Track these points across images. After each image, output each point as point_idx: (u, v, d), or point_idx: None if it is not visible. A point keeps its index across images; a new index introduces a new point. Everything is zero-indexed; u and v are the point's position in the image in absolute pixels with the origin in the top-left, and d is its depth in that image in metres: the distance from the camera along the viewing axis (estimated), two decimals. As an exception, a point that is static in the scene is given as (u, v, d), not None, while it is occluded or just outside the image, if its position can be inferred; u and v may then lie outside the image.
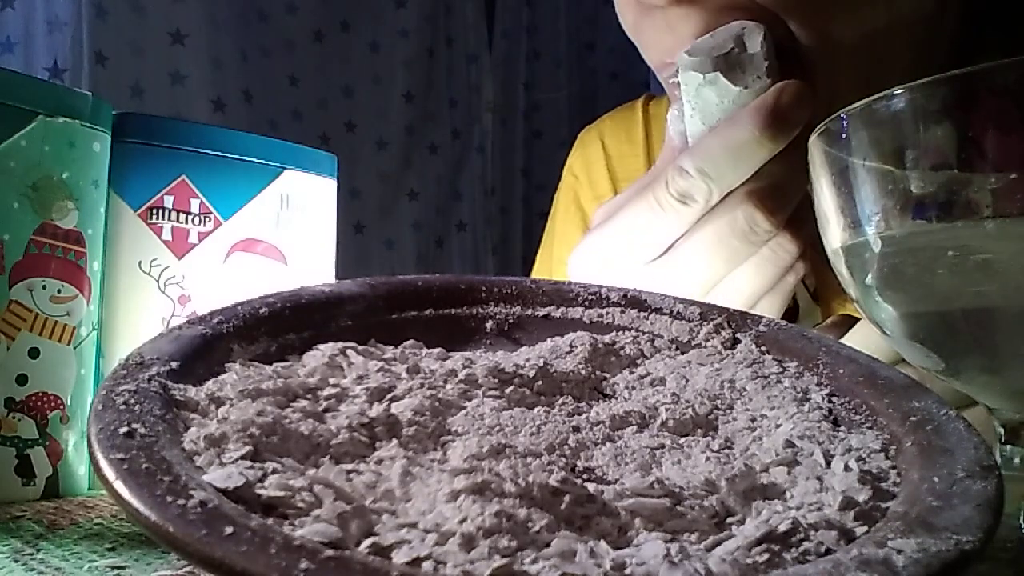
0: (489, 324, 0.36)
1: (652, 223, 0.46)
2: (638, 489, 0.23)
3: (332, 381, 0.28)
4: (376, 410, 0.26)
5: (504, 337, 0.36)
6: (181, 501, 0.19)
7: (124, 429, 0.22)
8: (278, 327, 0.32)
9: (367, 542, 0.19)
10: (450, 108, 2.29)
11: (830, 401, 0.30)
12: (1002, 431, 0.30)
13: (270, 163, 0.50)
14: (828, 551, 0.21)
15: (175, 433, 0.23)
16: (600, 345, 0.34)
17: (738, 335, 0.35)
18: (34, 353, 0.40)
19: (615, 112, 0.88)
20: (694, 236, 0.46)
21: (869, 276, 0.31)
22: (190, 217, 0.47)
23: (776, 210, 0.45)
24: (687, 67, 0.46)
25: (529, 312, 0.37)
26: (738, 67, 0.45)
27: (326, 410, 0.26)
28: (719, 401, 0.30)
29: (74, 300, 0.42)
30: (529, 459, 0.23)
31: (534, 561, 0.19)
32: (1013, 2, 0.61)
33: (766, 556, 0.20)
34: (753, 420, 0.29)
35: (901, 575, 0.19)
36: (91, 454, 0.21)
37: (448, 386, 0.29)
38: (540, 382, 0.30)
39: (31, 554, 0.30)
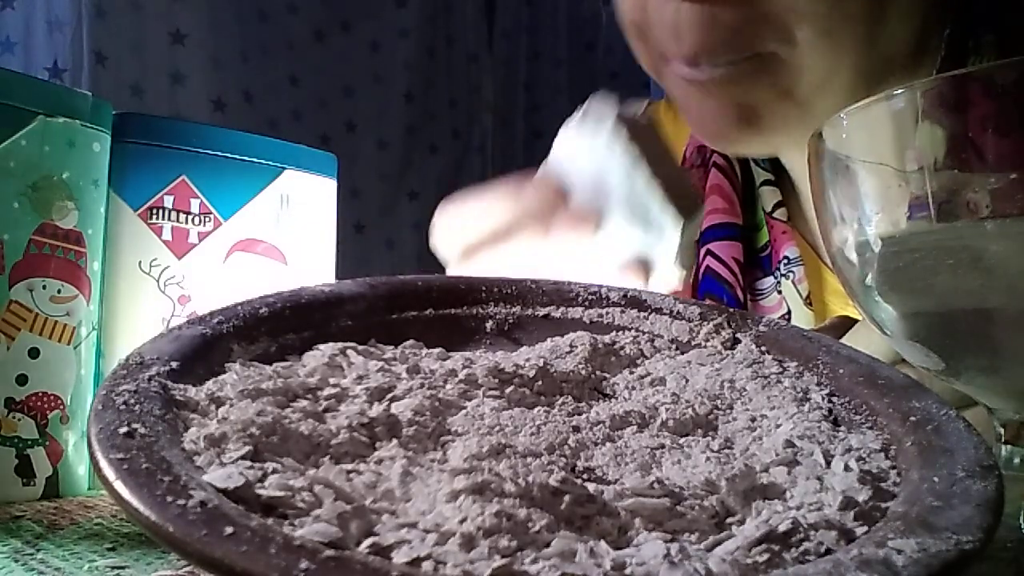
0: (489, 324, 0.36)
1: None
2: (638, 489, 0.23)
3: (332, 381, 0.28)
4: (376, 410, 0.26)
5: (504, 337, 0.36)
6: (181, 501, 0.19)
7: (124, 429, 0.22)
8: (278, 327, 0.32)
9: (367, 542, 0.19)
10: (450, 108, 2.29)
11: (830, 401, 0.30)
12: (1002, 431, 0.30)
13: (270, 163, 0.50)
14: (828, 551, 0.21)
15: (175, 433, 0.23)
16: (600, 345, 0.34)
17: (738, 335, 0.35)
18: (34, 353, 0.40)
19: None
20: None
21: (869, 276, 0.31)
22: (190, 217, 0.47)
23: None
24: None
25: (529, 312, 0.37)
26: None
27: (326, 410, 0.26)
28: (719, 401, 0.30)
29: (74, 300, 0.42)
30: (529, 459, 0.23)
31: (534, 561, 0.19)
32: (1008, 2, 0.61)
33: (766, 556, 0.20)
34: (753, 420, 0.29)
35: (901, 575, 0.19)
36: (91, 454, 0.21)
37: (448, 386, 0.29)
38: (540, 382, 0.30)
39: (31, 554, 0.30)
